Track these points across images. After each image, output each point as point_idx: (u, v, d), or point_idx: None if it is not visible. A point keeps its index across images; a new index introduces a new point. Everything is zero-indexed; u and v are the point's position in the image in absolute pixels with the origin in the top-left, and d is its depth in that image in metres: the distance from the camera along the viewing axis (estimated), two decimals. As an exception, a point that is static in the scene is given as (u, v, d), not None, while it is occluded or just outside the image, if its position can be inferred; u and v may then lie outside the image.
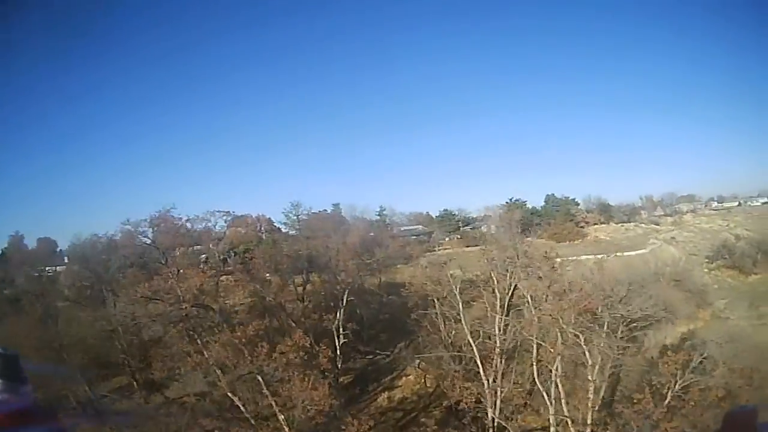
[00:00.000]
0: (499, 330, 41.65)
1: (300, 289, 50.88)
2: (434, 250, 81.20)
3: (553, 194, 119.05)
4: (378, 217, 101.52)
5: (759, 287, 70.03)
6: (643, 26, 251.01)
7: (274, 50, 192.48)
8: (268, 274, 50.53)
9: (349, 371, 49.35)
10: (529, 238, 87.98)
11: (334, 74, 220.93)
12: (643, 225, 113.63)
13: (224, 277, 50.43)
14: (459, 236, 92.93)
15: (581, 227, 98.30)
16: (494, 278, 45.02)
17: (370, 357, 51.35)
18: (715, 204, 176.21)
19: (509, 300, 45.47)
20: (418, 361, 47.15)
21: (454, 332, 44.88)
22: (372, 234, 76.51)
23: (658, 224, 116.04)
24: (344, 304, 46.18)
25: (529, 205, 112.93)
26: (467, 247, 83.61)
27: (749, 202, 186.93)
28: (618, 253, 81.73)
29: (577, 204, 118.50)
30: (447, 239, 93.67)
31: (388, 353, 49.86)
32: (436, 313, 45.54)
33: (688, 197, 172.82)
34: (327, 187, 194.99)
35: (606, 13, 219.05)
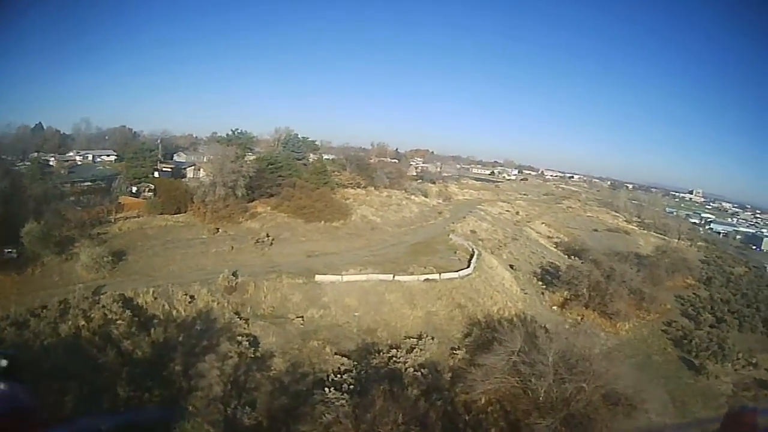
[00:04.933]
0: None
1: None
2: (109, 221, 61.90)
3: (291, 131, 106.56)
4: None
5: (648, 350, 59.58)
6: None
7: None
8: None
9: None
10: (260, 209, 73.40)
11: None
12: (414, 197, 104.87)
13: None
14: (151, 188, 75.67)
15: (334, 192, 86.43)
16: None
17: None
18: (459, 166, 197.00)
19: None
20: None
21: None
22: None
23: (426, 195, 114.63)
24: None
25: (256, 136, 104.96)
26: (162, 213, 66.23)
27: (504, 174, 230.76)
28: (432, 276, 56.41)
29: (317, 147, 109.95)
30: (134, 191, 76.76)
31: None
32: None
33: (424, 152, 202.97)
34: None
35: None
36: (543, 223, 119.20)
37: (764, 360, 58.38)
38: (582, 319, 61.14)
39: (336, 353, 39.81)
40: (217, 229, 64.00)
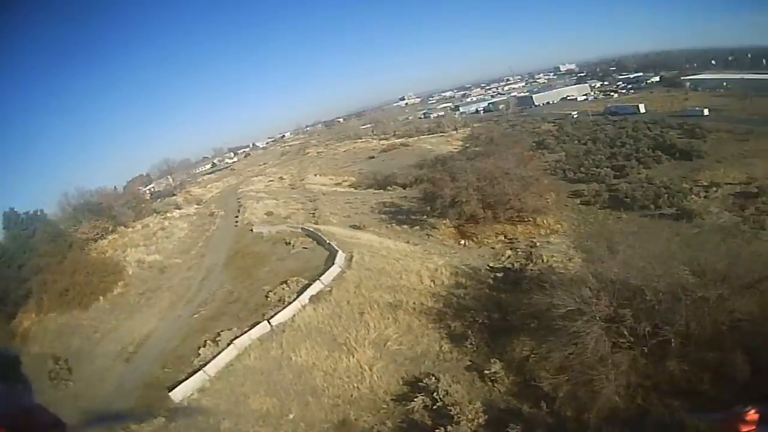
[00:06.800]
0: None
1: None
2: None
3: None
4: None
5: (616, 226, 50.15)
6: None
7: None
8: None
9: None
10: (26, 323, 52.95)
11: None
12: (171, 214, 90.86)
13: None
14: None
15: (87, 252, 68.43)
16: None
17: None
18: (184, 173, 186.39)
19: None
20: None
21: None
22: None
23: (180, 207, 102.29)
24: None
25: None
26: None
27: (225, 160, 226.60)
28: (314, 289, 37.56)
29: (43, 215, 79.97)
30: None
31: None
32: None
33: (140, 177, 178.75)
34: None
35: None
36: (315, 174, 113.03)
37: (705, 176, 57.17)
38: (508, 238, 50.52)
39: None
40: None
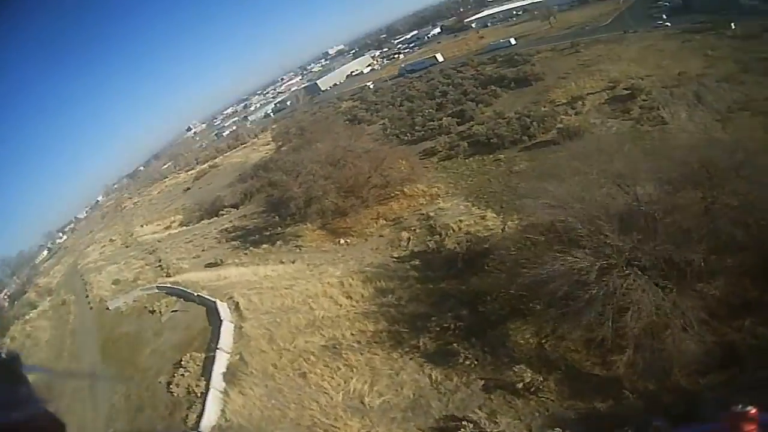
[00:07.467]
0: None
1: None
2: None
3: None
4: None
5: (504, 168, 47.54)
6: None
7: None
8: None
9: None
10: None
11: None
12: (32, 315, 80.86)
13: None
14: None
15: None
16: None
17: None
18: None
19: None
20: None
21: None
22: None
23: (34, 306, 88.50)
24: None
25: None
26: None
27: (57, 241, 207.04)
28: (217, 363, 30.28)
29: None
30: None
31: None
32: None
33: None
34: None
35: None
36: (142, 225, 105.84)
37: (558, 94, 56.49)
38: (390, 220, 45.22)
39: None
40: None
